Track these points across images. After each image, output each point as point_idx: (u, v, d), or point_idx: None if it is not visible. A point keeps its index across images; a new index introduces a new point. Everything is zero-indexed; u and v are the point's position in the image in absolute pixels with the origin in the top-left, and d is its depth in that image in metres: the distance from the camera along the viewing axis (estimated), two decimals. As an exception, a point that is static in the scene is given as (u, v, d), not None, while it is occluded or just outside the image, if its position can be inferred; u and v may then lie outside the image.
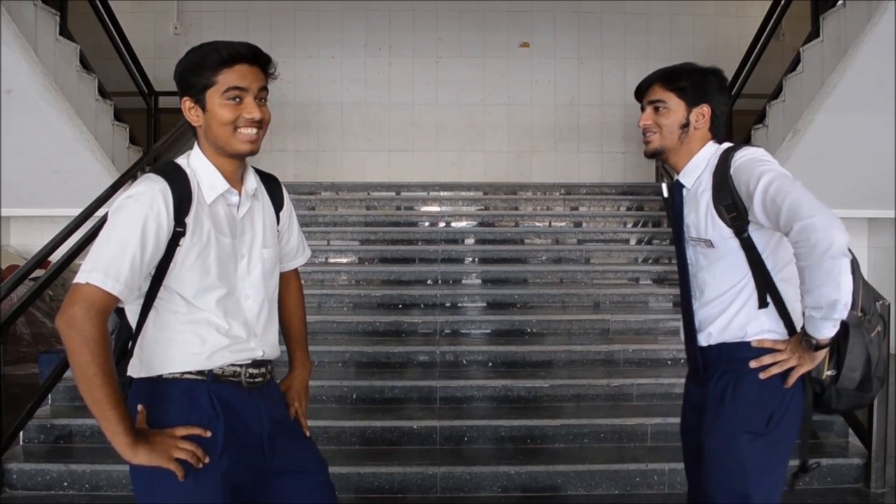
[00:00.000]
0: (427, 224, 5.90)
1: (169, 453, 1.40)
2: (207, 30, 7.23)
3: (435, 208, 6.15)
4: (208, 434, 1.46)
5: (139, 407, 1.47)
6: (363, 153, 7.26)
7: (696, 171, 1.72)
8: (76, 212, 4.11)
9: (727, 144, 1.72)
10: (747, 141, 5.84)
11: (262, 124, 1.50)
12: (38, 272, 3.95)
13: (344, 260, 5.45)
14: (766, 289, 1.62)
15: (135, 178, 4.60)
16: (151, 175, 1.49)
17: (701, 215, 1.67)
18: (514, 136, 7.31)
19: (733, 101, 6.45)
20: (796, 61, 5.17)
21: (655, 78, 1.76)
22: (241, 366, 1.54)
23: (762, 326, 1.64)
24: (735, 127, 6.42)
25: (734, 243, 1.63)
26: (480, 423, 3.53)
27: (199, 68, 1.46)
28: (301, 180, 6.63)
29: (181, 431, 1.44)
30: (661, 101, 1.73)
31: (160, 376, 1.49)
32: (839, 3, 4.59)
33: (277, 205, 1.67)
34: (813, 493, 3.21)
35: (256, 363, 1.57)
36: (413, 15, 7.26)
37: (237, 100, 1.47)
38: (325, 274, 5.11)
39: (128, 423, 1.38)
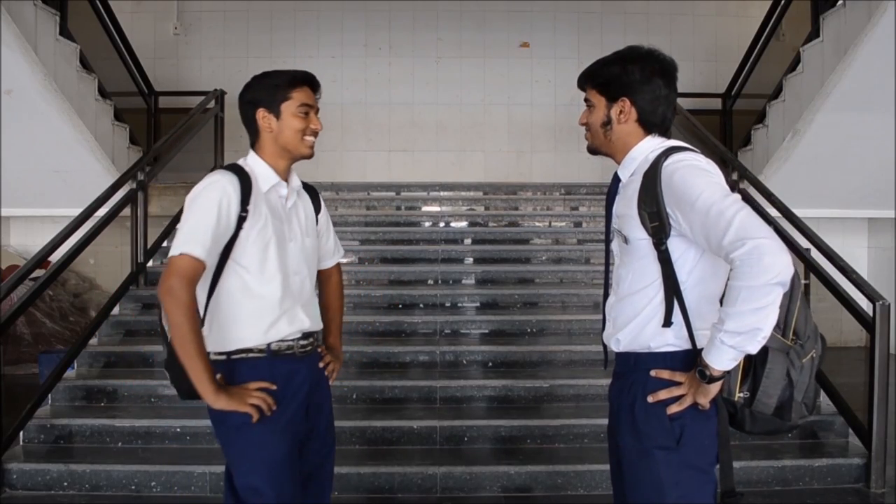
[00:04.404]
0: (427, 224, 5.90)
1: (244, 400, 1.71)
2: (208, 30, 7.25)
3: (435, 208, 6.14)
4: (274, 387, 1.77)
5: (217, 376, 1.73)
6: (363, 153, 7.26)
7: (632, 166, 1.67)
8: (76, 212, 4.11)
9: (669, 143, 1.63)
10: (747, 141, 5.84)
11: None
12: (38, 272, 3.95)
13: (344, 260, 5.36)
14: (676, 304, 1.56)
15: (135, 177, 4.61)
16: (220, 170, 1.81)
17: (625, 210, 1.64)
18: (514, 136, 7.32)
19: (733, 101, 6.47)
20: (796, 61, 5.17)
21: (582, 75, 1.71)
22: (293, 340, 1.83)
23: (666, 340, 1.58)
24: (735, 127, 6.44)
25: (648, 247, 1.57)
26: (480, 423, 3.52)
27: (273, 88, 1.85)
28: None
29: (254, 385, 1.75)
30: (587, 98, 1.70)
31: (229, 356, 1.78)
32: (839, 3, 4.59)
33: (316, 208, 2.03)
34: (813, 493, 3.21)
35: (305, 334, 1.87)
36: (413, 15, 7.27)
37: (306, 114, 1.86)
38: (325, 274, 5.10)
39: (212, 374, 1.69)
